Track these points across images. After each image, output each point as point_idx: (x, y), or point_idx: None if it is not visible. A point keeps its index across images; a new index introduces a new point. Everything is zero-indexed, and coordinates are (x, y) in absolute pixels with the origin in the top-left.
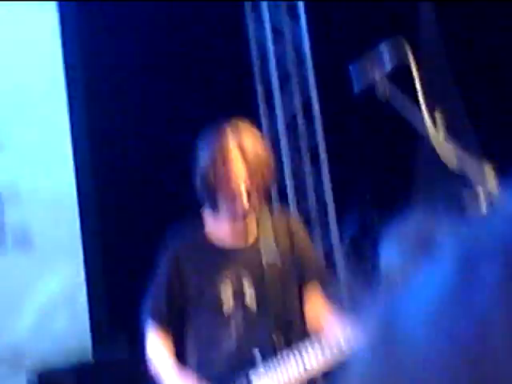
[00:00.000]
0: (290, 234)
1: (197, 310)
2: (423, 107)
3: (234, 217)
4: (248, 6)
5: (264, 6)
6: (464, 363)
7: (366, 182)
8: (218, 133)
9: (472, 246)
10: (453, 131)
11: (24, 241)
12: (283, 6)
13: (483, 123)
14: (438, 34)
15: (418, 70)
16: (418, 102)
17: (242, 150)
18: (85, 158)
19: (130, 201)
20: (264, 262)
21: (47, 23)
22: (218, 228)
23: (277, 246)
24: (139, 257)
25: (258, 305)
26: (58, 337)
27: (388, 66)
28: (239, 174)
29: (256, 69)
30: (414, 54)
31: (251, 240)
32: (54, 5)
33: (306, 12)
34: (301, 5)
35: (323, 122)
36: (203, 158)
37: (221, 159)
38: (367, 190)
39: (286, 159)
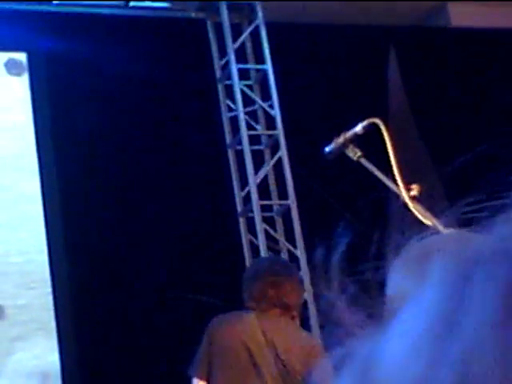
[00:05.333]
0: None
1: None
2: (395, 173)
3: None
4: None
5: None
6: None
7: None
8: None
9: (470, 268)
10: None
11: None
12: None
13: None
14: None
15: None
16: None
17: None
18: (58, 230)
19: (104, 277)
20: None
21: (19, 93)
22: None
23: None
24: (113, 332)
25: None
26: None
27: (360, 130)
28: None
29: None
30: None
31: None
32: (26, 76)
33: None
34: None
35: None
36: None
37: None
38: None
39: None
